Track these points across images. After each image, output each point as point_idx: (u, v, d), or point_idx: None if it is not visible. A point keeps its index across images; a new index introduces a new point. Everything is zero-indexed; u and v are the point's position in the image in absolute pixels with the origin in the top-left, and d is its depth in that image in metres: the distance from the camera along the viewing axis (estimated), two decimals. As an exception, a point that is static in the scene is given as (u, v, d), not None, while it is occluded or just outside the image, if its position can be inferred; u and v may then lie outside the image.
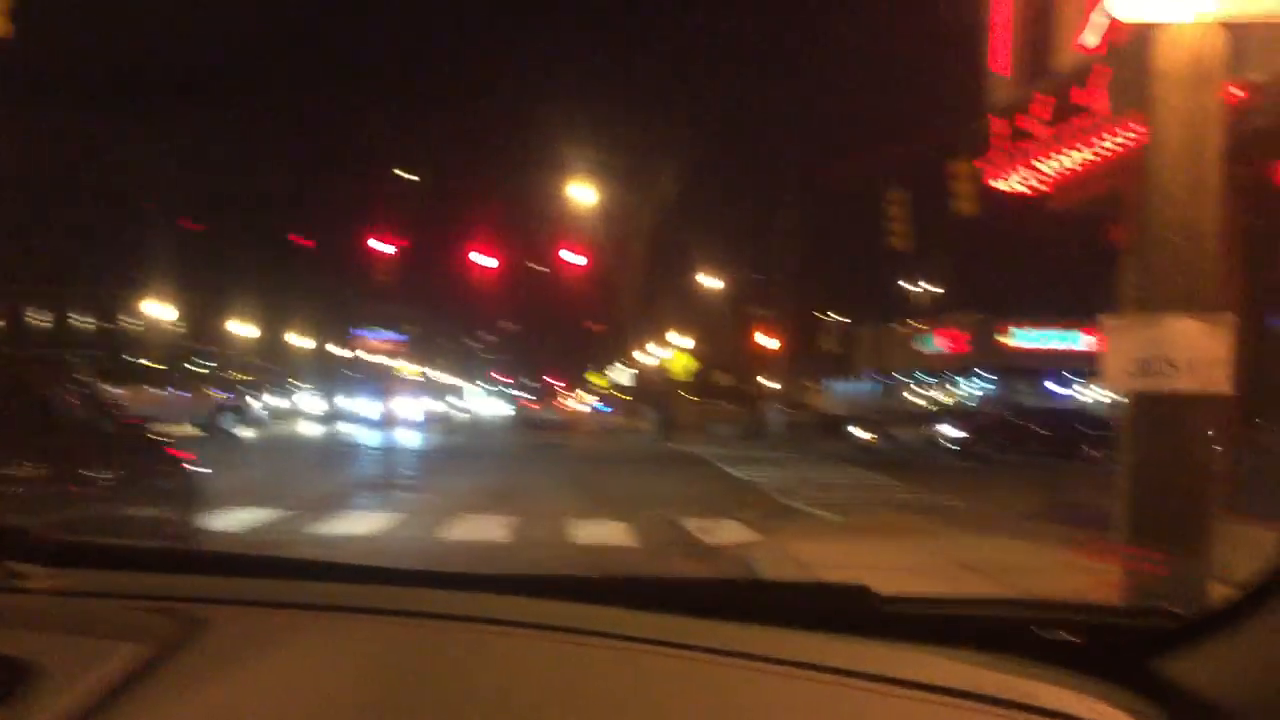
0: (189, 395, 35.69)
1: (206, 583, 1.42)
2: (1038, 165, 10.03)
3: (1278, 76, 7.47)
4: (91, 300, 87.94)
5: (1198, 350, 5.29)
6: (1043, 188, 10.54)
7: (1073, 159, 9.63)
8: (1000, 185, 10.95)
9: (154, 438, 7.20)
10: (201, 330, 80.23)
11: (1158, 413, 5.49)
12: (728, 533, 11.45)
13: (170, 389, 41.82)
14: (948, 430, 29.57)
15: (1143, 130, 5.95)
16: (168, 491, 7.05)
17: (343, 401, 42.81)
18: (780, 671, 1.12)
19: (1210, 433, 5.55)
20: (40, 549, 1.41)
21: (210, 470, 7.14)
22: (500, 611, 1.26)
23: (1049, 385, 41.84)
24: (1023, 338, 40.29)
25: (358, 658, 1.15)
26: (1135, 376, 5.46)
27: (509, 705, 1.05)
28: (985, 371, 42.25)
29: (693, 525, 11.94)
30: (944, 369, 45.13)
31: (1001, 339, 40.17)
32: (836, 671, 1.11)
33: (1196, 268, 5.42)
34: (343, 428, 36.22)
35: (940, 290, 54.51)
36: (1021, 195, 11.01)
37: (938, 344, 44.53)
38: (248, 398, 37.35)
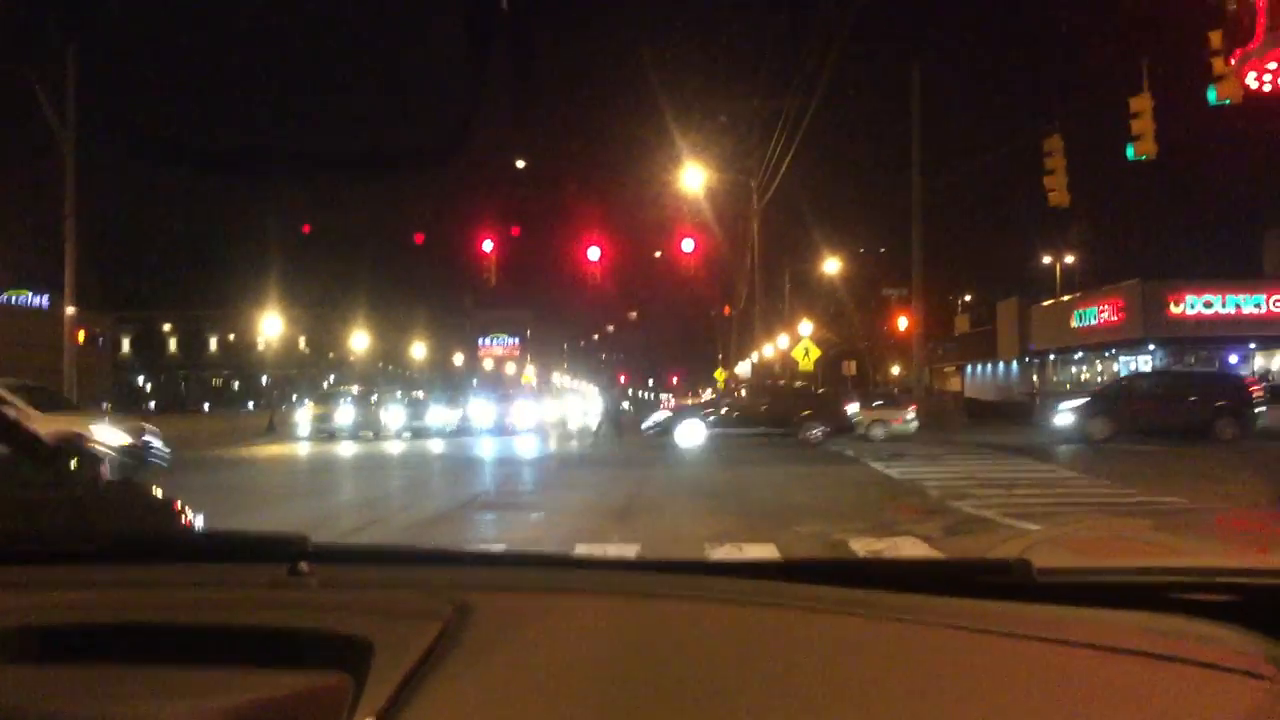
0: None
1: (457, 573, 1.58)
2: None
3: None
4: (220, 322, 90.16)
5: None
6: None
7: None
8: (1257, 83, 8.25)
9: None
10: (323, 345, 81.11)
11: None
12: (910, 555, 8.99)
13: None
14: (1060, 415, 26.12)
15: None
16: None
17: (448, 411, 41.26)
18: (942, 631, 1.24)
19: None
20: (316, 550, 1.55)
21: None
22: (720, 591, 1.42)
23: (1230, 357, 37.71)
24: (1197, 304, 36.11)
25: (604, 632, 1.30)
26: None
27: (736, 667, 1.18)
28: (1152, 344, 38.25)
29: (861, 546, 9.46)
30: (1102, 345, 41.27)
31: (1172, 307, 36.12)
32: (990, 632, 1.23)
33: None
34: (449, 439, 34.59)
35: (1087, 262, 50.75)
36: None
37: (1094, 317, 40.67)
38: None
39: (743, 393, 31.74)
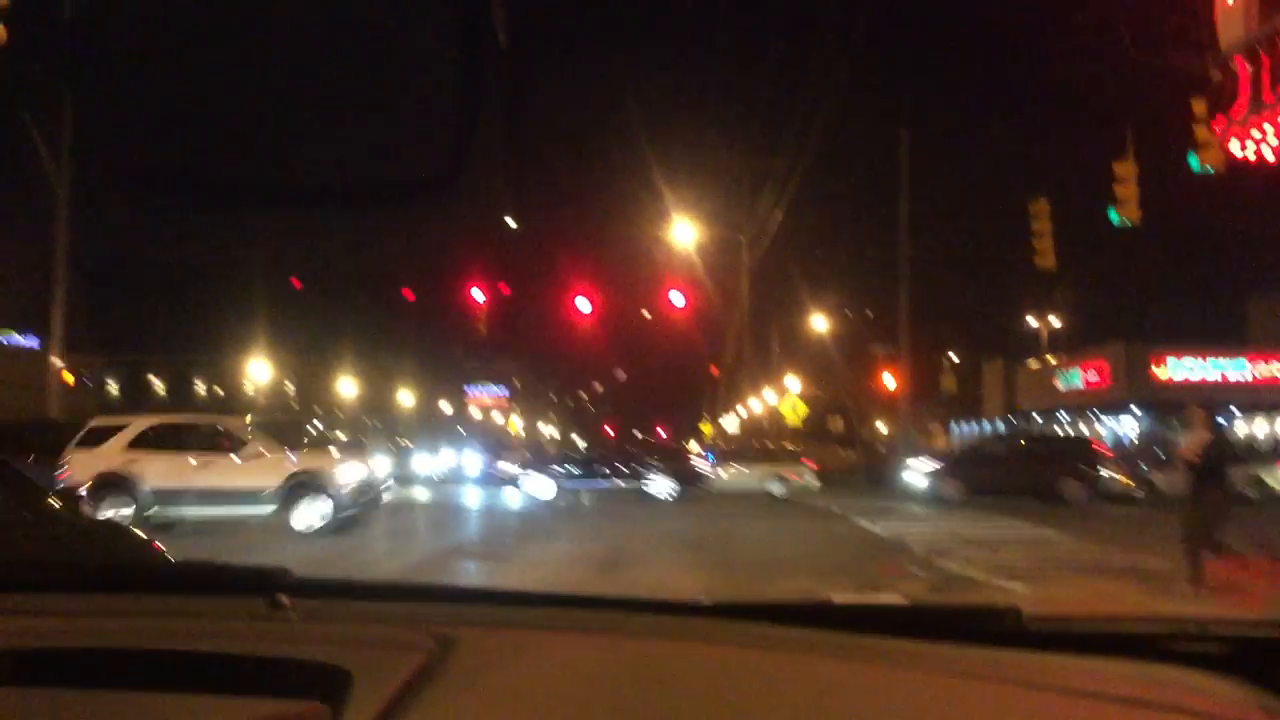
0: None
1: (441, 609, 1.57)
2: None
3: None
4: (207, 367, 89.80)
5: None
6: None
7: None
8: (1240, 150, 8.39)
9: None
10: (310, 392, 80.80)
11: None
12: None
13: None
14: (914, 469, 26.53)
15: None
16: None
17: (434, 459, 41.02)
18: (932, 677, 1.24)
19: None
20: (297, 584, 1.54)
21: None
22: (705, 631, 1.42)
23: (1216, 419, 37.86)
24: (1180, 368, 36.28)
25: (588, 670, 1.28)
26: None
27: (719, 709, 1.18)
28: (1136, 407, 38.37)
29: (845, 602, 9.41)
30: (1086, 406, 41.39)
31: (1155, 370, 36.28)
32: (982, 678, 1.23)
33: None
34: (435, 487, 34.35)
35: (1071, 324, 51.04)
36: (1266, 161, 8.46)
37: (1078, 379, 40.85)
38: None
39: (582, 446, 31.78)
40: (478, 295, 34.09)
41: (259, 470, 15.61)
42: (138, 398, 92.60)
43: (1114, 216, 18.67)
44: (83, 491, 14.27)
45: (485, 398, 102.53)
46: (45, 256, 27.00)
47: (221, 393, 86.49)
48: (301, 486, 15.52)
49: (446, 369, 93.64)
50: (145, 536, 5.15)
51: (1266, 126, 8.94)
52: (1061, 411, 44.16)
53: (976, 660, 1.30)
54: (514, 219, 34.25)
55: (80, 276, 30.69)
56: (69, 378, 34.05)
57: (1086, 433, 42.65)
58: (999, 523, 18.88)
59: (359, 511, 16.26)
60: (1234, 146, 9.54)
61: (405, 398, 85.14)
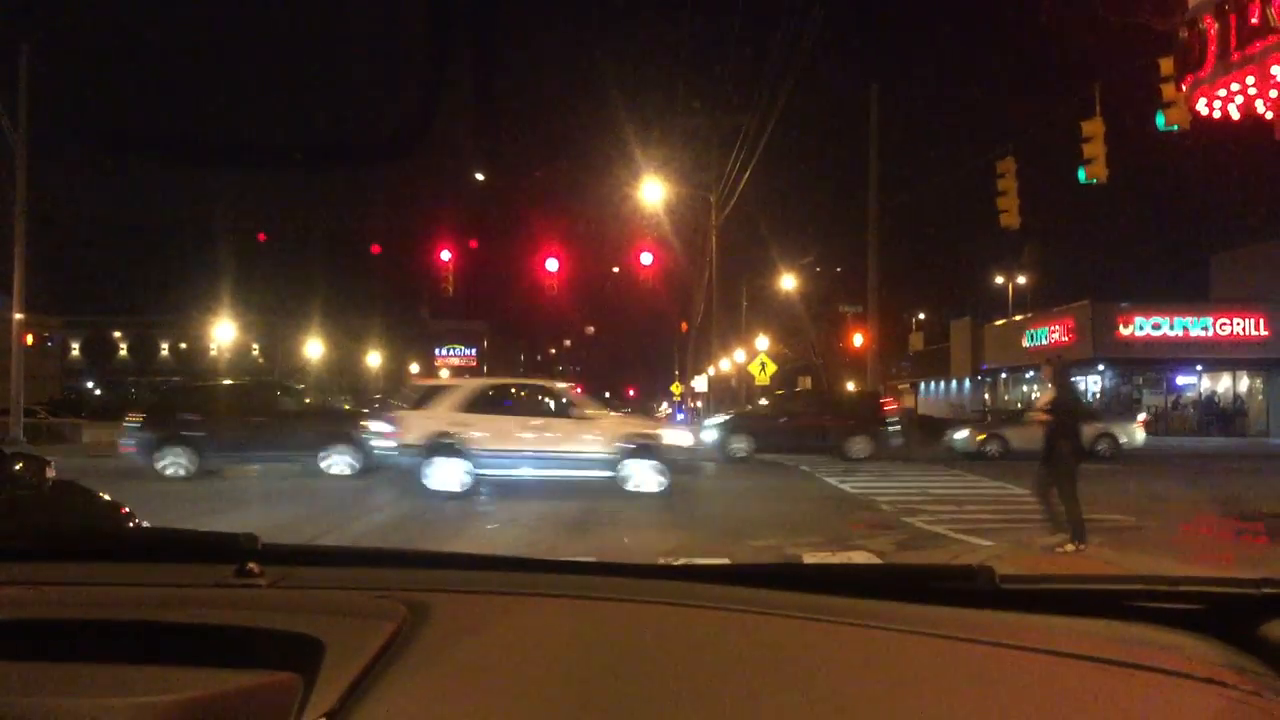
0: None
1: (412, 575, 1.55)
2: None
3: None
4: (171, 328, 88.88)
5: None
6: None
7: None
8: (1207, 109, 8.42)
9: None
10: (276, 353, 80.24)
11: None
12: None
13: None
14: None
15: None
16: None
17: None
18: (904, 636, 1.23)
19: None
20: (266, 550, 1.52)
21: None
22: (679, 594, 1.40)
23: (1178, 378, 38.43)
24: (1146, 326, 36.68)
25: (562, 633, 1.28)
26: None
27: (694, 670, 1.16)
28: (1102, 364, 38.81)
29: (814, 561, 9.50)
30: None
31: (1121, 328, 36.66)
32: (956, 638, 1.22)
33: None
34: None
35: (1039, 282, 51.48)
36: (1231, 119, 8.50)
37: (1045, 337, 41.24)
38: None
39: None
40: (446, 255, 33.81)
41: (594, 433, 15.83)
42: (100, 358, 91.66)
43: (1081, 175, 18.73)
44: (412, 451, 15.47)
45: (453, 359, 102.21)
46: (3, 215, 26.54)
47: (185, 345, 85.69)
48: (637, 450, 15.66)
49: (414, 330, 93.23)
50: (112, 500, 5.07)
51: (1233, 85, 8.99)
52: (1029, 370, 44.62)
53: (948, 620, 1.30)
54: (483, 173, 33.89)
55: (40, 236, 30.22)
56: (29, 339, 33.59)
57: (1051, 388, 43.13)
58: (965, 479, 19.11)
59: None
60: (1200, 105, 9.59)
61: (374, 359, 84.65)
